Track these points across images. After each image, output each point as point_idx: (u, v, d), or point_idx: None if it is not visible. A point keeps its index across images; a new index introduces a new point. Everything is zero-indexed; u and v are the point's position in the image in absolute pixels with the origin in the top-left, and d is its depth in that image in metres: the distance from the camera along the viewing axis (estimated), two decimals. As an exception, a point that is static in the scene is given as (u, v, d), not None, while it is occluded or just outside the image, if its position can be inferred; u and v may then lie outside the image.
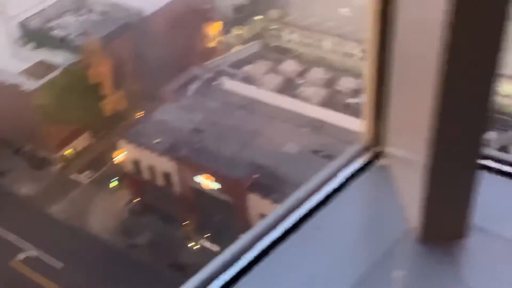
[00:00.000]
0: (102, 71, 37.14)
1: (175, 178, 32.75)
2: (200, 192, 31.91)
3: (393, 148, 2.64)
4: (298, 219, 2.46)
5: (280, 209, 2.49)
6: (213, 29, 43.08)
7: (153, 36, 39.11)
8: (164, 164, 32.40)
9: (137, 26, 39.24)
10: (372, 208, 2.63)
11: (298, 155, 31.96)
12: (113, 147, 35.33)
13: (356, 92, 42.00)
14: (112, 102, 38.27)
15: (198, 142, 31.92)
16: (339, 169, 2.71)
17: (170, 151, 31.74)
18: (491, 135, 35.67)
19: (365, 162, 2.72)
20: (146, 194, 34.47)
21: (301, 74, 44.20)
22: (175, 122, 33.30)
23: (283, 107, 35.57)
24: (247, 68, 39.22)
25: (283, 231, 2.41)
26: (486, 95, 2.02)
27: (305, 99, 41.81)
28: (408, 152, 2.45)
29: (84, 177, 37.37)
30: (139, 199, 34.96)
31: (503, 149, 34.72)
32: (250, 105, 34.94)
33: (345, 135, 39.06)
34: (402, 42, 2.35)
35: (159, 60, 38.26)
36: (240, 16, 44.04)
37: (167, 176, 33.00)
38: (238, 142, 31.85)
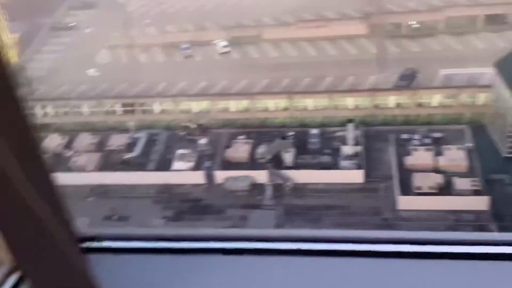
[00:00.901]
0: None
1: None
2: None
3: None
4: None
5: None
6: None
7: None
8: None
9: None
10: None
11: (90, 227, 30.32)
12: None
13: (130, 146, 41.56)
14: None
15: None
16: None
17: None
18: (262, 149, 38.04)
19: (12, 286, 2.39)
20: None
21: (67, 145, 42.20)
22: None
23: (58, 184, 33.39)
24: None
25: None
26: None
27: (80, 169, 39.88)
28: None
29: None
30: None
31: (276, 157, 37.25)
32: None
33: (134, 191, 38.22)
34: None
35: None
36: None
37: None
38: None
